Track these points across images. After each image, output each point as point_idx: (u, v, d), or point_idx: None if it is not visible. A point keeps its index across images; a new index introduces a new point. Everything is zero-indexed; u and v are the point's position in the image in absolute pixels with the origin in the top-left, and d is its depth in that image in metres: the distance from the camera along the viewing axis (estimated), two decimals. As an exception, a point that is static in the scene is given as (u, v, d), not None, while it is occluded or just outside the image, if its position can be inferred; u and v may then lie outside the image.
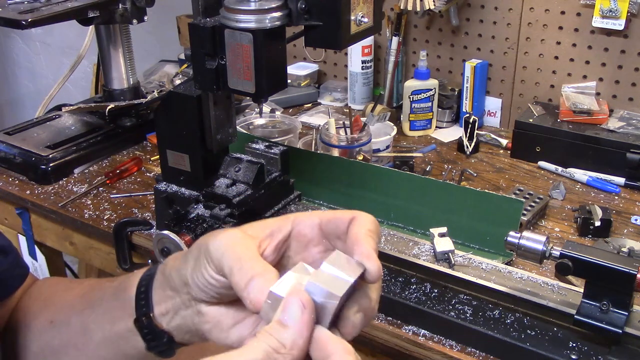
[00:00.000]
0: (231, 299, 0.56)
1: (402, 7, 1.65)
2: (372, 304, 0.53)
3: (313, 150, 1.52)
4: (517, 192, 1.36)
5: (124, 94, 1.67)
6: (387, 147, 1.55)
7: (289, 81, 1.34)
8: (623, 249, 1.17)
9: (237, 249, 0.53)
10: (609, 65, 1.57)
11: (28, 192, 1.45)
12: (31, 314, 0.79)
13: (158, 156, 1.23)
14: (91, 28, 1.72)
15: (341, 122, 1.53)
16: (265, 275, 0.51)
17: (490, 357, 0.95)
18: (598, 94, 1.60)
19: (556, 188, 1.40)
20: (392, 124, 1.60)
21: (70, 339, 0.72)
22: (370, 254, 0.51)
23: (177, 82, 1.90)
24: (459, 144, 1.63)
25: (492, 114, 1.78)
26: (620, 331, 0.86)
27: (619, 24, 1.49)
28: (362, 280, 0.51)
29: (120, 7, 1.52)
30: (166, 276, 0.62)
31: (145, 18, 1.58)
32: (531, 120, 1.55)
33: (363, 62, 1.85)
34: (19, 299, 0.84)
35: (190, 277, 0.57)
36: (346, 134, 1.49)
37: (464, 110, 1.74)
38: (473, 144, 1.60)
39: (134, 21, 1.56)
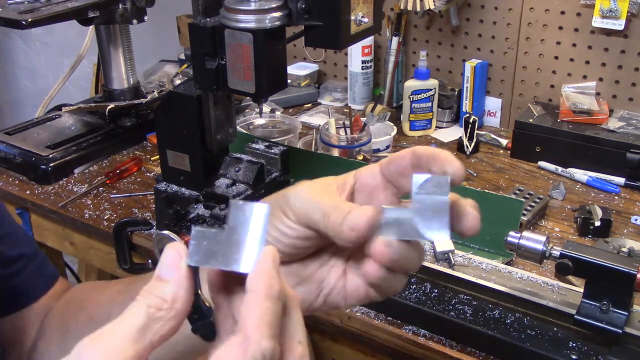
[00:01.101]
0: (295, 257, 0.56)
1: (402, 7, 1.65)
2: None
3: (313, 150, 1.52)
4: (517, 192, 1.36)
5: (124, 94, 1.67)
6: (387, 147, 1.55)
7: (289, 81, 1.34)
8: (623, 249, 1.17)
9: (324, 196, 0.53)
10: (609, 65, 1.57)
11: (28, 192, 1.45)
12: (69, 315, 0.79)
13: (158, 156, 1.23)
14: (91, 28, 1.72)
15: (341, 122, 1.53)
16: (362, 208, 0.50)
17: (490, 357, 0.95)
18: (598, 94, 1.60)
19: (556, 188, 1.40)
20: (392, 124, 1.60)
21: None
22: (449, 158, 0.50)
23: (177, 82, 1.90)
24: (459, 144, 1.63)
25: (492, 114, 1.78)
26: (620, 331, 0.86)
27: (619, 24, 1.49)
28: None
29: (120, 7, 1.52)
30: None
31: (145, 18, 1.58)
32: (531, 120, 1.55)
33: (363, 62, 1.85)
34: (51, 305, 0.84)
35: None
36: (346, 134, 1.49)
37: (464, 110, 1.74)
38: (473, 144, 1.60)
39: (134, 21, 1.56)
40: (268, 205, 0.44)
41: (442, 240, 0.47)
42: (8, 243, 0.83)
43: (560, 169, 1.49)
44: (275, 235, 0.55)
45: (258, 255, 0.43)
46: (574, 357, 0.89)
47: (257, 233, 0.44)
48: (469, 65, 1.69)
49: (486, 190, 1.21)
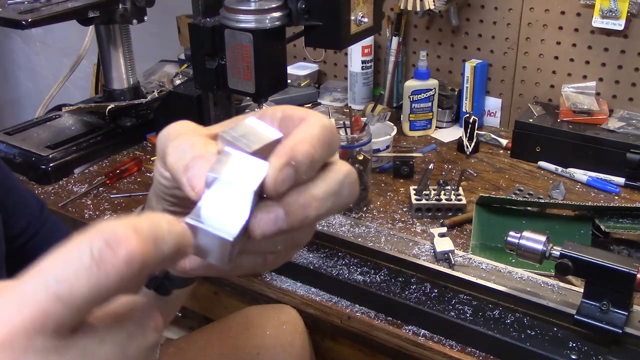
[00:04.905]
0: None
1: (402, 7, 1.65)
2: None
3: (313, 150, 1.52)
4: (517, 192, 1.36)
5: (124, 94, 1.67)
6: (387, 147, 1.55)
7: (289, 81, 1.34)
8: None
9: (183, 133, 0.43)
10: (609, 65, 1.57)
11: (28, 192, 1.45)
12: None
13: (158, 156, 1.23)
14: (91, 28, 1.72)
15: (341, 122, 1.53)
16: (207, 156, 0.41)
17: (490, 357, 0.95)
18: (598, 94, 1.60)
19: (556, 188, 1.40)
20: (392, 124, 1.60)
21: None
22: (281, 157, 0.39)
23: (177, 82, 1.90)
24: (459, 144, 1.63)
25: (492, 114, 1.78)
26: (620, 331, 0.86)
27: (619, 24, 1.49)
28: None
29: (120, 7, 1.52)
30: None
31: (145, 18, 1.58)
32: (531, 120, 1.55)
33: (363, 62, 1.85)
34: None
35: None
36: (346, 134, 1.49)
37: (464, 110, 1.74)
38: (473, 144, 1.60)
39: (134, 21, 1.56)
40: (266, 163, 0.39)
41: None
42: (17, 212, 0.83)
43: (560, 169, 1.49)
44: (155, 185, 0.49)
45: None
46: (574, 357, 0.89)
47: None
48: (469, 65, 1.69)
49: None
